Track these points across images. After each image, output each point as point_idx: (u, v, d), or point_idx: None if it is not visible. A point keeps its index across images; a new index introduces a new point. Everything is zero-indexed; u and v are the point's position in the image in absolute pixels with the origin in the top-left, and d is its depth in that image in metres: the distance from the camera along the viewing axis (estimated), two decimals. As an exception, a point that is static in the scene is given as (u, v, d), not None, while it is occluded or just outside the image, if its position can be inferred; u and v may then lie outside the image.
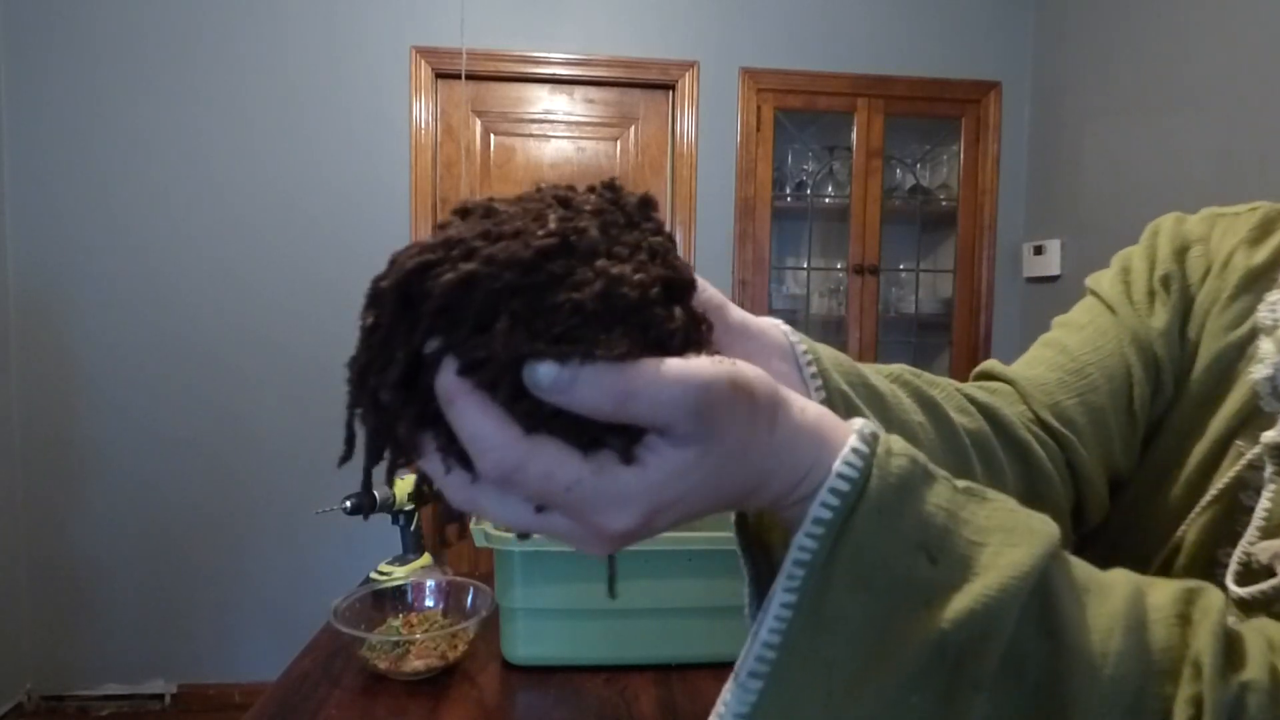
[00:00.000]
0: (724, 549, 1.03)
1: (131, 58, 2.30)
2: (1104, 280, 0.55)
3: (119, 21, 2.29)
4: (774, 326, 0.38)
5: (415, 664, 0.97)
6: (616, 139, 2.53)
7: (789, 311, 2.71)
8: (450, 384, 0.24)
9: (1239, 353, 0.48)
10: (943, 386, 0.47)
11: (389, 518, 1.30)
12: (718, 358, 0.26)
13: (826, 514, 0.27)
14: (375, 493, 1.24)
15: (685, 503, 0.27)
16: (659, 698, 0.95)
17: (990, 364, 0.55)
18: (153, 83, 2.31)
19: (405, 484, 1.30)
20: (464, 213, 0.27)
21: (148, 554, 2.38)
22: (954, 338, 2.66)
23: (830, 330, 2.71)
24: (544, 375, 0.24)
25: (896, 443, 0.29)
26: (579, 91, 2.51)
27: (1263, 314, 0.47)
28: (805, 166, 2.69)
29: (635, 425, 0.25)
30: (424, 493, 0.33)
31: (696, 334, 0.27)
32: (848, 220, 2.58)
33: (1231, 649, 0.29)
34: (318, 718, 0.89)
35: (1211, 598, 0.31)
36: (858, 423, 0.29)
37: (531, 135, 2.49)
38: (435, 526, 0.31)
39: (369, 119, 2.39)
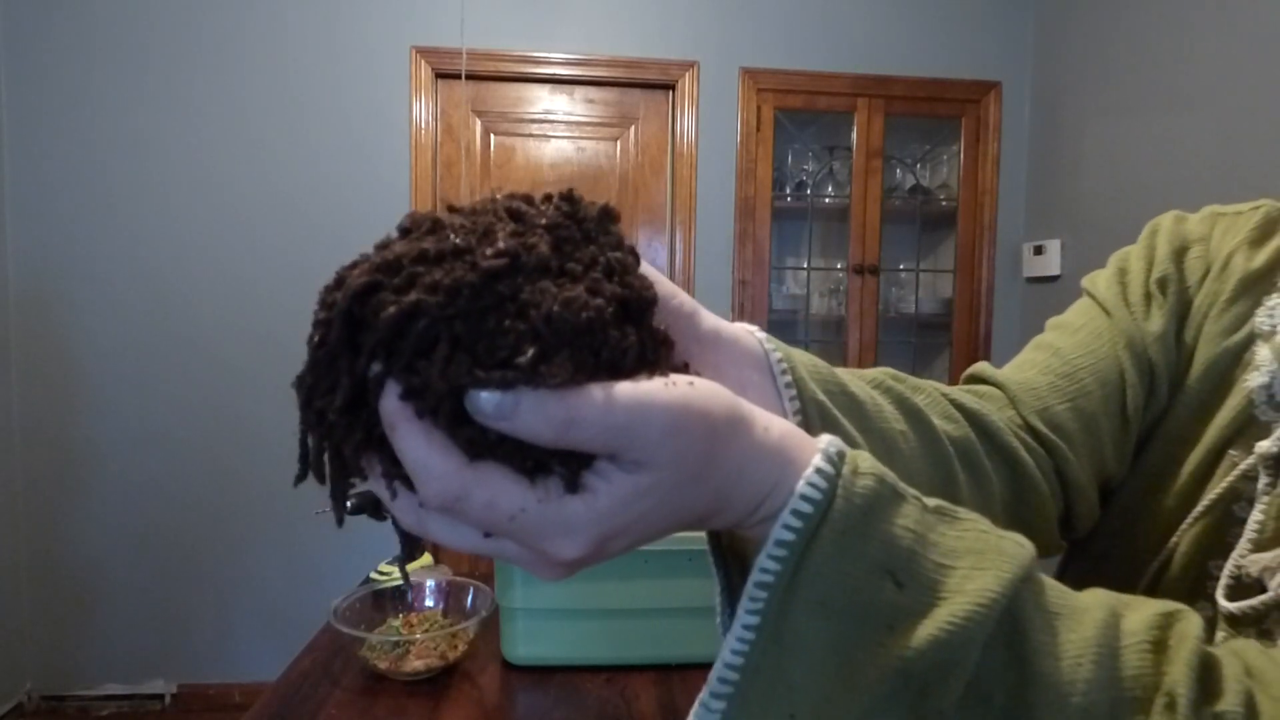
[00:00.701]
0: (724, 549, 1.03)
1: (131, 58, 2.30)
2: (1100, 281, 0.54)
3: (119, 22, 2.29)
4: (748, 334, 0.37)
5: (415, 664, 0.97)
6: (616, 139, 2.53)
7: (789, 311, 2.71)
8: (393, 409, 0.24)
9: (1235, 359, 0.47)
10: (927, 392, 0.45)
11: (389, 518, 1.30)
12: (672, 378, 0.25)
13: (789, 535, 0.27)
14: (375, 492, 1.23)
15: (638, 528, 0.26)
16: (659, 698, 0.95)
17: (980, 367, 0.53)
18: (153, 83, 2.31)
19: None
20: (409, 228, 0.26)
21: (148, 554, 2.38)
22: (954, 338, 2.66)
23: (830, 330, 2.71)
24: (486, 402, 0.23)
25: (864, 461, 0.28)
26: (579, 91, 2.50)
27: (1261, 319, 0.46)
28: (805, 166, 2.69)
29: (583, 452, 0.24)
30: (379, 509, 0.32)
31: (653, 353, 0.26)
32: (848, 220, 2.58)
33: (1208, 677, 0.28)
34: (318, 718, 0.89)
35: (1188, 623, 0.30)
36: (824, 440, 0.28)
37: (531, 135, 2.49)
38: (405, 540, 0.30)
39: (369, 119, 2.39)
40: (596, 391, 0.23)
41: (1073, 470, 0.47)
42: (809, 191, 2.66)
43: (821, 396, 0.37)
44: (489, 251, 0.23)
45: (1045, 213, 2.53)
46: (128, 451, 2.36)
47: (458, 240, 0.24)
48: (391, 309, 0.23)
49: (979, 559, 0.28)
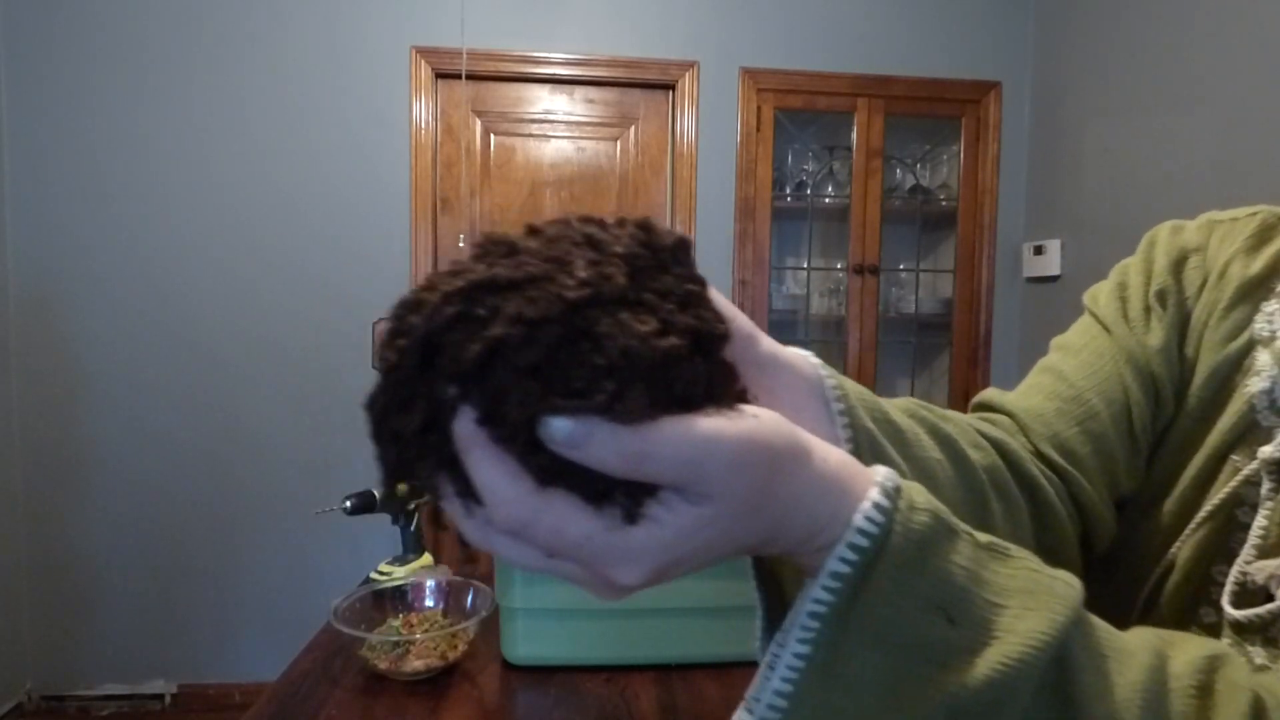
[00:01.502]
0: (724, 549, 1.03)
1: (131, 58, 2.30)
2: (1100, 297, 0.54)
3: (119, 22, 2.29)
4: (803, 359, 0.37)
5: (415, 664, 0.97)
6: (616, 139, 2.53)
7: (789, 311, 2.71)
8: (467, 433, 0.24)
9: (1235, 365, 0.47)
10: (955, 421, 0.46)
11: (389, 518, 1.30)
12: (739, 410, 0.26)
13: (844, 568, 0.27)
14: (375, 492, 1.24)
15: (697, 556, 0.27)
16: (659, 698, 0.95)
17: (988, 394, 0.53)
18: (153, 83, 2.31)
19: (405, 484, 1.29)
20: (484, 251, 0.26)
21: (148, 554, 2.38)
22: (954, 338, 2.66)
23: (830, 330, 2.71)
24: (559, 430, 0.23)
25: (919, 495, 0.29)
26: (579, 91, 2.50)
27: (1259, 325, 0.46)
28: (805, 166, 2.69)
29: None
30: (442, 521, 0.32)
31: (721, 386, 0.26)
32: (848, 220, 2.58)
33: None
34: (318, 718, 0.89)
35: (1234, 667, 0.30)
36: (880, 473, 0.29)
37: (531, 135, 2.49)
38: (461, 541, 0.30)
39: (369, 119, 2.39)
40: (669, 426, 0.24)
41: (1087, 495, 0.47)
42: (809, 191, 2.66)
43: (870, 424, 0.38)
44: (571, 283, 0.23)
45: (1045, 213, 2.53)
46: (128, 451, 2.36)
47: (533, 269, 0.24)
48: (476, 345, 0.23)
49: (1030, 599, 0.28)
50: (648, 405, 0.23)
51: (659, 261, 0.26)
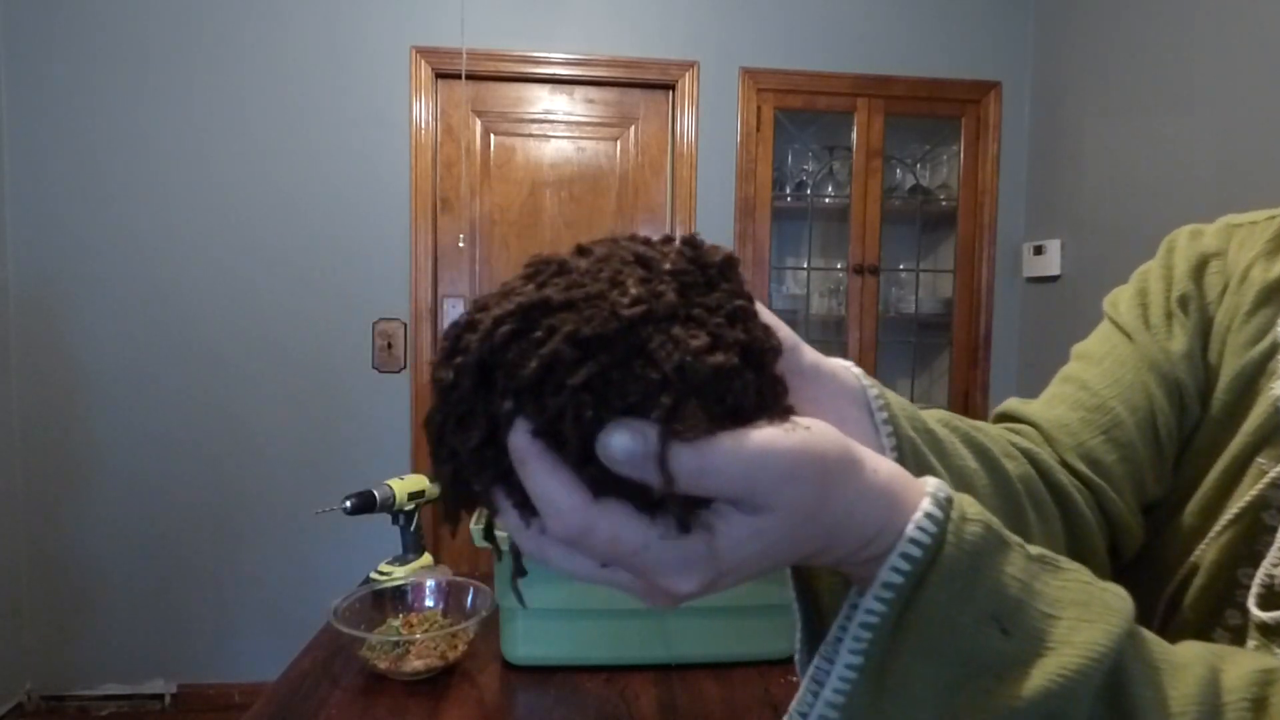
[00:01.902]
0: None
1: (131, 58, 2.30)
2: (1121, 304, 0.54)
3: (119, 22, 2.29)
4: (846, 369, 0.37)
5: (415, 664, 0.97)
6: (616, 139, 2.53)
7: (789, 311, 2.71)
8: (522, 445, 0.24)
9: (1260, 369, 0.46)
10: (987, 431, 0.46)
11: (389, 518, 1.30)
12: (792, 421, 0.26)
13: (897, 579, 0.27)
14: (375, 492, 1.24)
15: (751, 565, 0.27)
16: (659, 698, 0.95)
17: (1011, 404, 0.53)
18: (153, 83, 2.31)
19: (405, 484, 1.30)
20: (535, 272, 0.27)
21: (148, 554, 2.38)
22: (954, 338, 2.66)
23: (830, 330, 2.71)
24: (615, 446, 0.23)
25: (971, 507, 0.29)
26: (579, 91, 2.50)
27: None
28: (805, 166, 2.69)
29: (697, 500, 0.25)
30: (493, 533, 0.33)
31: (772, 399, 0.27)
32: (848, 220, 2.58)
33: None
34: (318, 718, 0.89)
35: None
36: (931, 484, 0.29)
37: (531, 135, 2.49)
38: (517, 559, 0.31)
39: (369, 119, 2.39)
40: (725, 441, 0.24)
41: (1114, 505, 0.47)
42: (809, 191, 2.66)
43: (912, 433, 0.38)
44: (625, 300, 0.24)
45: (1045, 213, 2.53)
46: (128, 451, 2.36)
47: (586, 288, 0.25)
48: (533, 362, 0.24)
49: (1084, 610, 0.28)
50: (703, 419, 0.24)
51: (707, 278, 0.27)
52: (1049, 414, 0.50)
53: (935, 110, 2.59)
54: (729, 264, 0.27)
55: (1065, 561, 0.30)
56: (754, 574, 0.27)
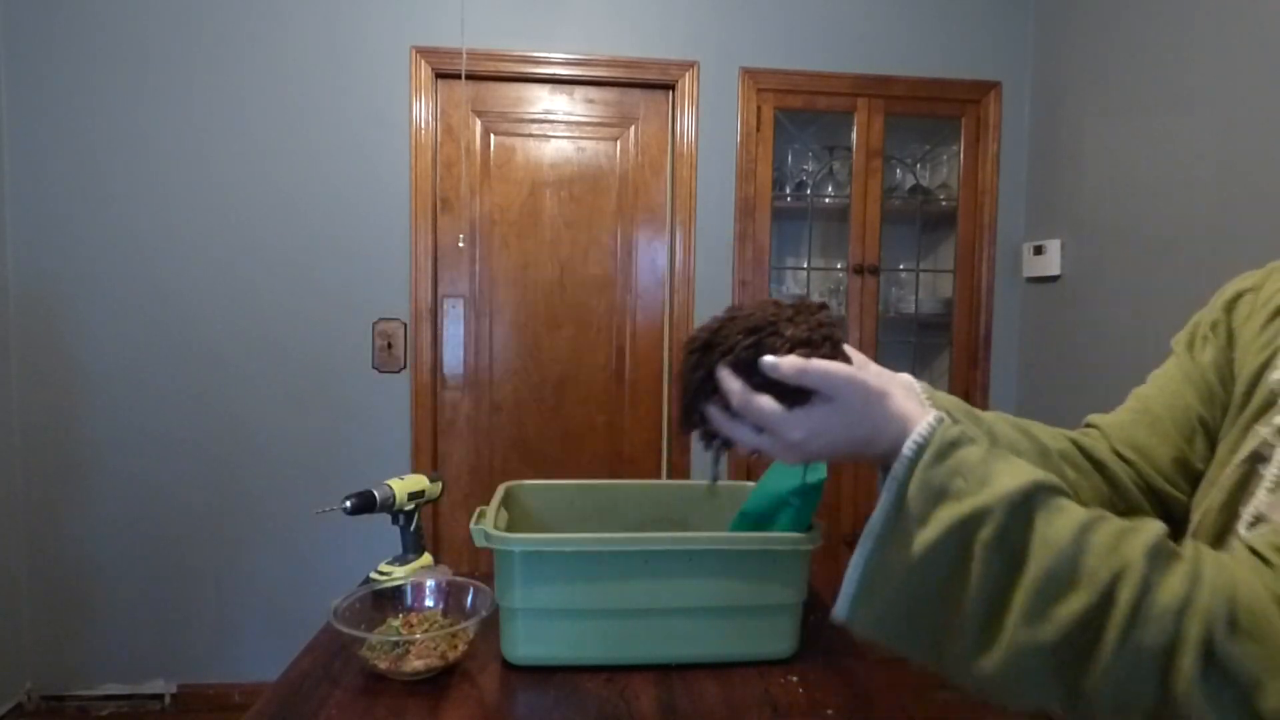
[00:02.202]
0: (723, 549, 1.03)
1: (131, 58, 2.30)
2: (1178, 342, 0.70)
3: (119, 22, 2.29)
4: (905, 376, 0.63)
5: (415, 664, 0.97)
6: (616, 139, 2.53)
7: (789, 311, 2.71)
8: (725, 373, 0.55)
9: (1265, 365, 0.58)
10: (1035, 423, 0.68)
11: (389, 518, 1.30)
12: (855, 365, 0.56)
13: (910, 453, 0.51)
14: (375, 492, 1.24)
15: (825, 435, 0.53)
16: (659, 698, 0.96)
17: (1091, 417, 0.73)
18: (153, 83, 2.32)
19: (405, 484, 1.30)
20: (728, 311, 0.59)
21: (148, 554, 2.39)
22: (954, 338, 2.66)
23: (830, 330, 2.71)
24: (765, 363, 0.53)
25: (955, 426, 0.53)
26: (579, 91, 2.51)
27: None
28: (805, 166, 2.69)
29: (805, 392, 0.53)
30: (707, 425, 0.61)
31: (841, 356, 0.56)
32: (848, 220, 2.58)
33: (1162, 547, 0.46)
34: (318, 718, 0.89)
35: (1152, 524, 0.47)
36: (934, 412, 0.54)
37: (531, 135, 2.49)
38: (716, 451, 0.63)
39: (369, 119, 2.39)
40: (815, 360, 0.53)
41: (1153, 478, 0.65)
42: (809, 191, 2.66)
43: (949, 406, 0.65)
44: (766, 315, 0.57)
45: (1045, 213, 2.53)
46: (128, 451, 2.36)
47: (751, 312, 0.58)
48: (733, 336, 0.56)
49: (1016, 472, 0.50)
50: (805, 354, 0.54)
51: (809, 309, 0.58)
52: (1111, 419, 0.71)
53: (935, 110, 2.59)
54: (821, 306, 0.58)
55: (1013, 456, 0.52)
56: (833, 445, 0.54)
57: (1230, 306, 0.65)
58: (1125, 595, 0.43)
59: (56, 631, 2.37)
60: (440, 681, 0.98)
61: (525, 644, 1.01)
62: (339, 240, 2.40)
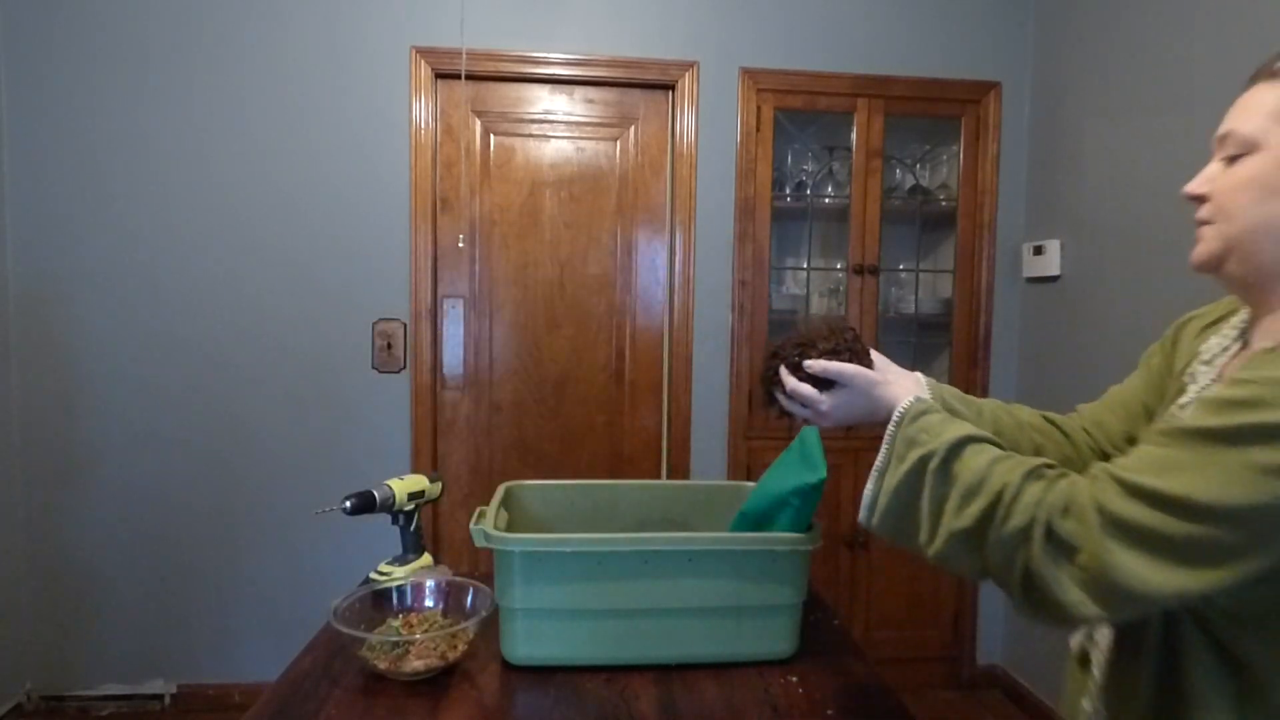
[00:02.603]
0: (723, 549, 1.03)
1: (131, 58, 2.31)
2: (1141, 358, 0.93)
3: (119, 22, 2.29)
4: (914, 373, 0.91)
5: (415, 664, 0.97)
6: (616, 139, 2.53)
7: (789, 312, 2.71)
8: (784, 371, 0.88)
9: (1187, 364, 0.81)
10: (1026, 409, 0.95)
11: (389, 518, 1.30)
12: (879, 365, 0.88)
13: (897, 418, 0.79)
14: (375, 492, 1.24)
15: (845, 408, 0.85)
16: (659, 698, 0.96)
17: (1078, 406, 0.97)
18: (152, 83, 2.32)
19: (405, 484, 1.30)
20: (797, 336, 0.90)
21: (147, 554, 2.39)
22: (954, 338, 2.66)
23: (830, 330, 2.70)
24: (808, 364, 0.86)
25: (929, 403, 0.79)
26: (579, 91, 2.51)
27: (1202, 348, 0.80)
28: (805, 166, 2.69)
29: (831, 381, 0.85)
30: (777, 402, 0.91)
31: (863, 360, 0.87)
32: (847, 220, 2.58)
33: (1036, 471, 0.67)
34: (318, 718, 0.89)
35: (1038, 460, 0.69)
36: (914, 395, 0.81)
37: (531, 135, 2.49)
38: (777, 410, 0.92)
39: (369, 119, 2.39)
40: (834, 363, 0.85)
41: (1106, 447, 0.90)
42: (809, 191, 2.66)
43: (945, 395, 0.90)
44: (806, 332, 0.90)
45: (1045, 213, 2.53)
46: (128, 452, 2.36)
47: (800, 331, 0.91)
48: (787, 349, 0.89)
49: (959, 429, 0.73)
50: (832, 358, 0.87)
51: (840, 331, 0.88)
52: (1089, 406, 0.96)
53: (935, 110, 2.59)
54: (848, 328, 0.89)
55: (960, 418, 0.79)
56: (846, 414, 0.85)
57: (1180, 327, 0.87)
58: (1006, 497, 0.66)
59: (56, 631, 2.38)
60: (440, 682, 0.98)
61: (525, 644, 1.01)
62: (339, 240, 2.40)
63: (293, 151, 2.37)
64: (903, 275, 2.79)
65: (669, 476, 2.56)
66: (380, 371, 2.43)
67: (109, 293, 2.33)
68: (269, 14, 2.34)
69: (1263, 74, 0.69)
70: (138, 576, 2.39)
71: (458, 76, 2.37)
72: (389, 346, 2.43)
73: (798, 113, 2.59)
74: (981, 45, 2.60)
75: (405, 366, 2.44)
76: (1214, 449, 0.58)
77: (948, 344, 2.68)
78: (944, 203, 2.70)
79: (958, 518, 0.68)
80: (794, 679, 1.02)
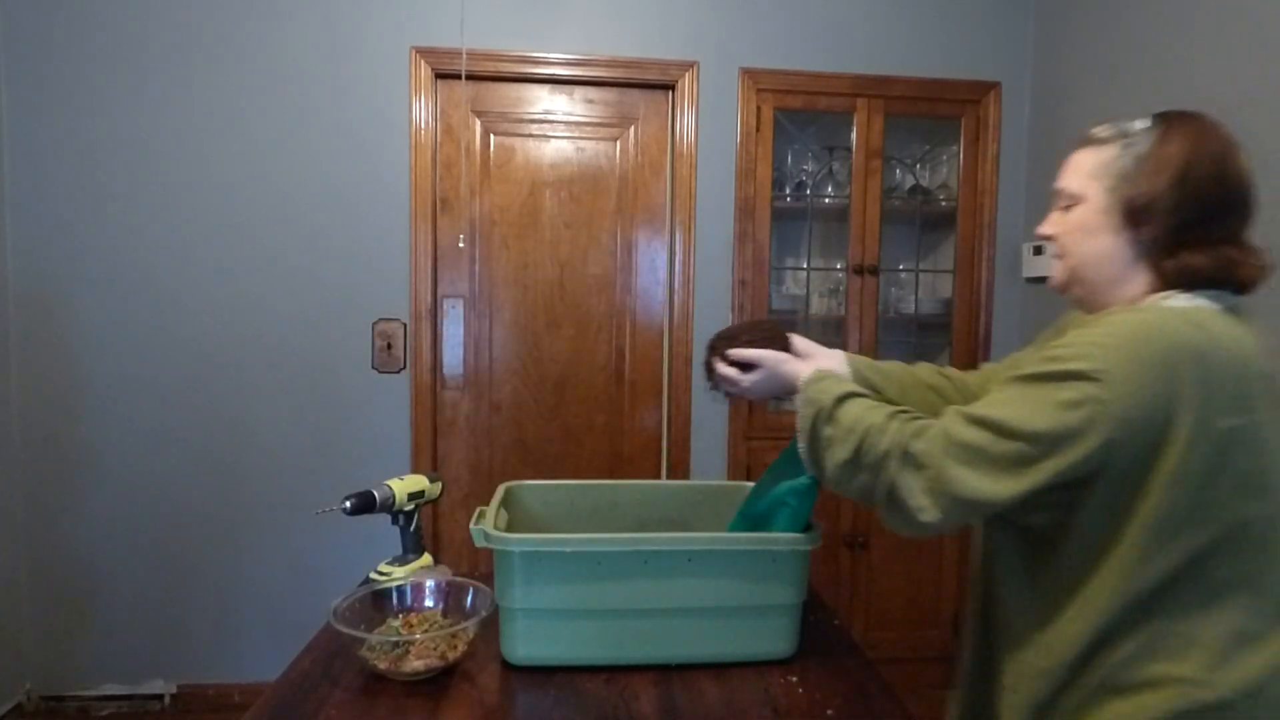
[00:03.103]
0: (723, 549, 1.03)
1: (131, 58, 2.30)
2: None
3: (119, 22, 2.29)
4: (837, 351, 1.12)
5: (415, 664, 0.97)
6: (616, 139, 2.53)
7: (789, 312, 2.71)
8: (715, 358, 1.10)
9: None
10: (928, 368, 1.15)
11: (389, 518, 1.30)
12: (802, 349, 1.10)
13: (802, 385, 0.98)
14: (375, 492, 1.24)
15: (762, 383, 1.05)
16: (659, 698, 0.96)
17: (982, 364, 1.26)
18: (152, 83, 2.32)
19: (405, 484, 1.30)
20: (742, 326, 1.15)
21: (147, 554, 2.39)
22: (953, 338, 2.65)
23: (830, 330, 2.71)
24: (730, 351, 1.08)
25: (827, 374, 0.98)
26: (579, 91, 2.51)
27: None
28: (805, 166, 2.69)
29: (752, 365, 1.06)
30: (714, 381, 1.12)
31: (780, 346, 1.08)
32: (847, 220, 2.58)
33: (899, 414, 0.88)
34: (318, 718, 0.89)
35: (903, 406, 0.91)
36: (813, 370, 1.00)
37: (531, 135, 2.49)
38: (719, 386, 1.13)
39: (369, 119, 2.39)
40: (747, 350, 1.07)
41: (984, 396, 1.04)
42: (809, 191, 2.66)
43: (861, 367, 1.09)
44: (733, 330, 1.13)
45: (1045, 213, 2.52)
46: (128, 452, 2.36)
47: (730, 328, 1.15)
48: (716, 342, 1.13)
49: (842, 388, 0.94)
50: (754, 344, 1.09)
51: (762, 325, 1.13)
52: (988, 366, 1.15)
53: (935, 110, 2.59)
54: (770, 323, 1.12)
55: (848, 381, 0.99)
56: (765, 389, 1.06)
57: (1066, 318, 1.06)
58: (874, 431, 0.85)
59: (56, 631, 2.37)
60: (440, 682, 0.98)
61: (525, 644, 1.01)
62: (339, 240, 2.40)
63: (293, 151, 2.37)
64: (903, 275, 2.79)
65: (669, 476, 2.56)
66: (380, 371, 2.43)
67: (109, 293, 2.33)
68: (269, 14, 2.34)
69: (1083, 141, 0.97)
70: (138, 576, 2.39)
71: (458, 76, 2.37)
72: (389, 346, 2.43)
73: (798, 113, 2.59)
74: (981, 45, 2.60)
75: (405, 366, 2.44)
76: (1027, 387, 0.78)
77: (948, 344, 2.68)
78: (944, 203, 2.70)
79: (841, 449, 0.87)
80: (794, 679, 1.02)
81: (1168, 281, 0.83)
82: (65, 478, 2.35)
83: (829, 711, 0.94)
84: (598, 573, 0.99)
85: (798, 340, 1.10)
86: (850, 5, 2.54)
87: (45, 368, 2.33)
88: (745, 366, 1.05)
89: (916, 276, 2.77)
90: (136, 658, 2.40)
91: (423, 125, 2.40)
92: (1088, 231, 0.89)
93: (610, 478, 2.55)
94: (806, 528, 1.05)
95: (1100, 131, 0.92)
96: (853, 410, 0.89)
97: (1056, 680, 0.81)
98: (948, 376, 1.13)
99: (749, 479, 1.52)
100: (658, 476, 2.59)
